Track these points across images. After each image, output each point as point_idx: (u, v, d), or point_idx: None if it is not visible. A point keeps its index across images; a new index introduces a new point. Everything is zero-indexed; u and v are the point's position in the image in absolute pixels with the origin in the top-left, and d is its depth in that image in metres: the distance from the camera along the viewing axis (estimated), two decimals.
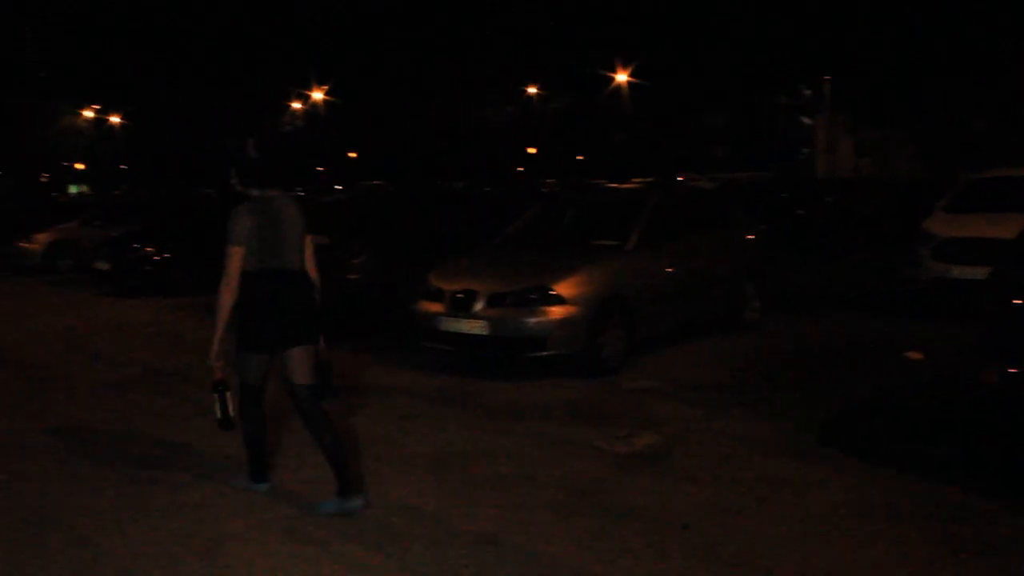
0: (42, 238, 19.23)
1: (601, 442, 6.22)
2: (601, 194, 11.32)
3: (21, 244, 19.27)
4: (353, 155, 53.93)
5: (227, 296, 4.90)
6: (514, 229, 10.00)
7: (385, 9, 42.27)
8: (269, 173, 5.06)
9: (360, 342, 9.83)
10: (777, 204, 17.61)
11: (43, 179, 56.66)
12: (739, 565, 4.30)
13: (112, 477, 5.73)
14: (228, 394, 5.11)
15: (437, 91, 44.57)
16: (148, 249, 15.04)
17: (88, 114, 54.63)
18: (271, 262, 4.93)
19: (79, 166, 60.17)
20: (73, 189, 52.60)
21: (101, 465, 5.99)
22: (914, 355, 8.53)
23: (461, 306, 8.21)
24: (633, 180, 12.55)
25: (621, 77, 38.87)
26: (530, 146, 50.35)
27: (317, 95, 46.54)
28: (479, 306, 8.12)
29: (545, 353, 7.97)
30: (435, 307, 8.43)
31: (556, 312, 7.93)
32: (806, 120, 44.83)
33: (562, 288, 8.03)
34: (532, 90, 45.91)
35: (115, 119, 53.83)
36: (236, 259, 4.89)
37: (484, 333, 8.06)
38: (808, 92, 41.70)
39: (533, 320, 7.93)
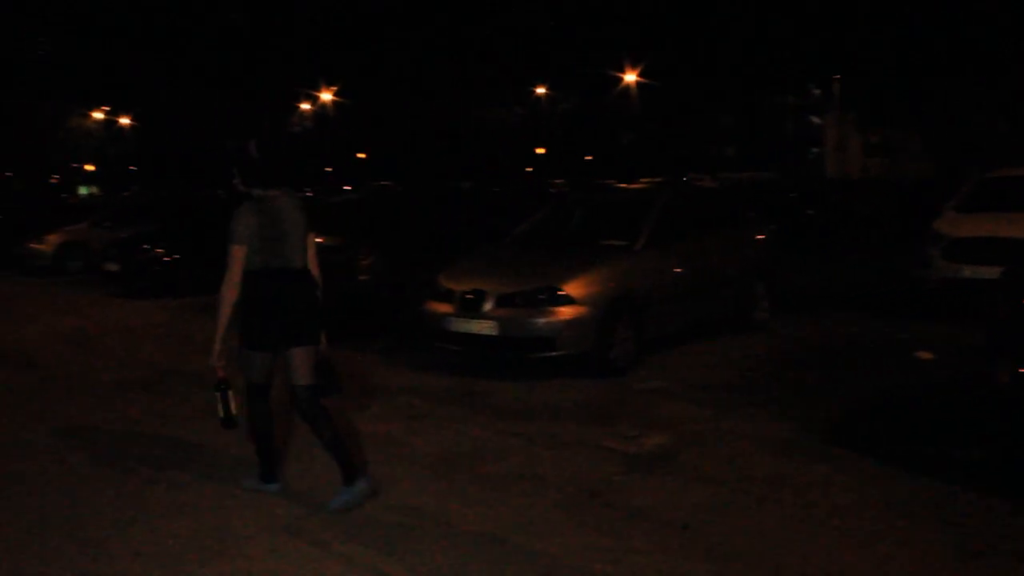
0: (52, 239, 19.30)
1: (610, 442, 6.22)
2: (610, 194, 11.32)
3: (31, 245, 19.34)
4: (362, 156, 54.00)
5: (228, 295, 4.94)
6: (523, 229, 10.00)
7: (388, 9, 42.29)
8: (270, 173, 5.09)
9: (369, 342, 9.84)
10: (786, 204, 17.58)
11: (53, 180, 56.83)
12: (748, 565, 4.29)
13: (116, 477, 5.75)
14: (230, 393, 5.14)
15: (444, 92, 44.60)
16: (157, 250, 15.09)
17: (97, 115, 54.83)
18: (274, 261, 4.97)
19: (89, 167, 60.38)
20: (83, 190, 52.76)
21: (105, 465, 6.01)
22: (924, 355, 8.51)
23: (470, 306, 8.21)
24: (641, 180, 12.52)
25: (629, 77, 38.86)
26: (539, 146, 50.35)
27: (325, 96, 46.63)
28: (488, 306, 8.12)
29: (554, 353, 7.96)
30: (444, 307, 8.44)
31: (565, 312, 7.93)
32: (815, 120, 44.78)
33: (571, 288, 8.03)
34: (540, 91, 45.93)
35: (124, 120, 54.03)
36: (238, 258, 4.93)
37: (493, 333, 8.06)
38: (817, 92, 41.63)
39: (542, 320, 7.93)
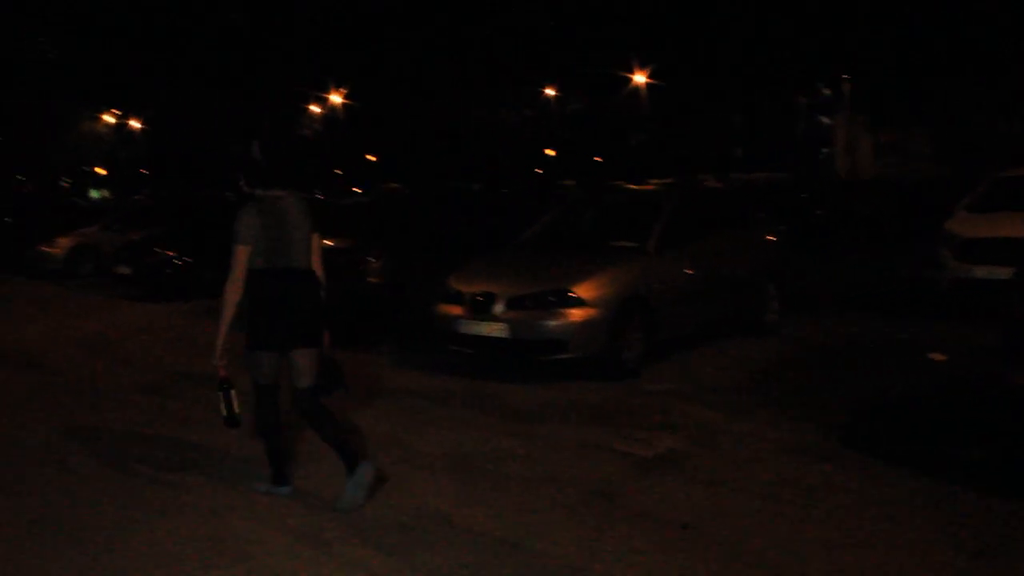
0: (64, 242, 19.36)
1: (621, 444, 6.21)
2: (620, 195, 11.29)
3: (43, 248, 19.41)
4: (372, 158, 54.08)
5: (232, 295, 4.99)
6: (533, 231, 9.98)
7: (390, 9, 42.32)
8: (273, 173, 5.14)
9: (378, 344, 9.85)
10: (796, 205, 17.52)
11: (64, 184, 57.06)
12: (761, 568, 4.27)
13: (121, 478, 5.79)
14: (233, 392, 5.17)
15: (451, 94, 44.64)
16: (168, 253, 15.13)
17: (108, 119, 55.03)
18: (278, 261, 5.00)
19: (100, 171, 60.57)
20: (94, 194, 53.00)
21: (110, 466, 6.04)
22: (937, 356, 8.47)
23: (480, 309, 8.21)
24: (651, 181, 12.52)
25: (637, 78, 38.82)
26: (548, 148, 50.34)
27: (335, 98, 46.71)
28: (499, 309, 8.11)
29: (565, 356, 7.95)
30: (455, 310, 8.43)
31: (576, 314, 7.91)
32: (825, 120, 44.63)
33: (582, 290, 8.01)
34: (549, 92, 45.91)
35: (135, 124, 54.21)
36: (241, 258, 4.98)
37: (504, 336, 8.05)
38: (827, 92, 41.49)
39: (553, 322, 7.92)
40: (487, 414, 7.14)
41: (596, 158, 48.24)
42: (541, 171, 48.44)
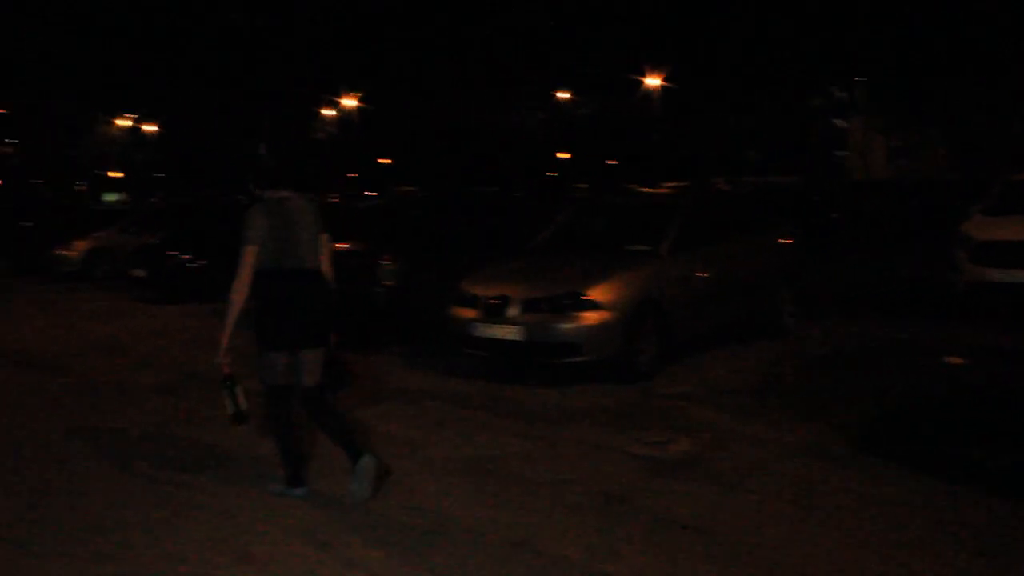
0: (80, 245, 19.48)
1: (635, 447, 6.21)
2: (634, 198, 11.28)
3: (60, 252, 19.53)
4: (386, 161, 54.15)
5: (238, 295, 5.06)
6: (547, 234, 9.99)
7: (400, 10, 42.37)
8: (280, 174, 5.21)
9: (392, 347, 9.87)
10: (810, 208, 17.49)
11: (80, 188, 57.38)
12: (774, 570, 4.27)
13: (139, 479, 5.83)
14: (238, 388, 5.21)
15: (463, 96, 44.67)
16: (183, 256, 15.20)
17: (122, 123, 55.34)
18: (287, 262, 5.07)
19: (116, 174, 60.90)
20: (111, 197, 53.24)
21: (130, 467, 6.08)
22: (954, 360, 8.44)
23: (495, 312, 8.22)
24: (665, 184, 12.50)
25: (650, 81, 38.78)
26: (561, 151, 50.30)
27: (349, 102, 46.82)
28: (513, 312, 8.12)
29: (580, 359, 7.96)
30: (469, 313, 8.45)
31: (591, 318, 7.92)
32: (839, 123, 44.53)
33: (596, 294, 8.02)
34: (563, 95, 45.91)
35: (149, 127, 54.51)
36: (249, 259, 5.04)
37: (518, 339, 8.07)
38: (842, 94, 41.37)
39: (568, 326, 7.92)
40: (501, 417, 7.16)
41: (609, 161, 48.19)
42: (554, 174, 48.41)
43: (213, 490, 5.55)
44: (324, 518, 5.06)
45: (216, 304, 13.55)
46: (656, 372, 8.27)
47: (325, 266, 5.28)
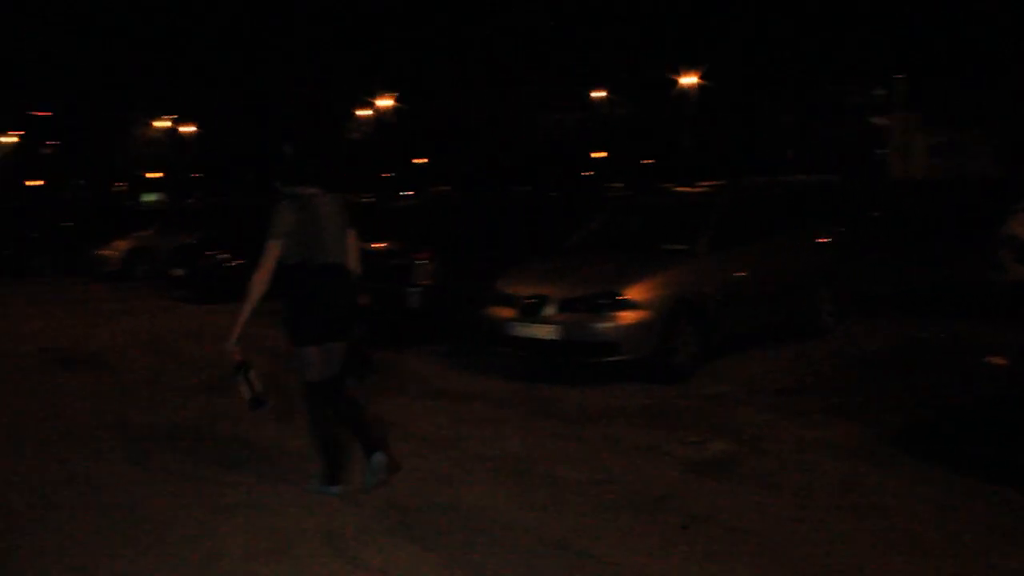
0: (121, 245, 19.75)
1: (673, 447, 6.17)
2: (670, 197, 11.22)
3: (101, 252, 19.80)
4: (422, 161, 54.31)
5: (258, 287, 5.12)
6: (583, 234, 9.96)
7: (443, 9, 42.55)
8: (306, 172, 5.27)
9: (429, 346, 9.89)
10: (850, 206, 17.29)
11: (120, 188, 58.12)
12: (813, 574, 4.21)
13: (177, 475, 5.90)
14: (251, 373, 5.25)
15: (500, 94, 44.73)
16: (221, 255, 15.33)
17: (160, 124, 56.03)
18: (314, 257, 5.14)
19: (155, 175, 61.59)
20: (150, 197, 53.90)
21: (168, 463, 6.14)
22: (996, 360, 8.28)
23: (532, 311, 8.21)
24: (702, 183, 12.40)
25: (685, 80, 38.58)
26: (597, 151, 50.19)
27: (386, 102, 47.01)
28: (550, 311, 8.11)
29: (617, 358, 7.92)
30: (505, 312, 8.44)
31: (628, 317, 7.88)
32: (878, 121, 44.01)
33: (633, 293, 7.98)
34: (598, 94, 45.82)
35: (188, 128, 55.12)
36: (273, 252, 5.11)
37: (555, 338, 8.05)
38: (882, 92, 40.90)
39: (605, 325, 7.90)
40: (537, 416, 7.14)
41: (645, 160, 48.00)
42: (590, 174, 48.30)
43: (250, 487, 5.60)
44: (360, 516, 5.07)
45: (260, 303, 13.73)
46: (693, 371, 8.22)
47: (352, 262, 5.38)
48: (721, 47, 37.66)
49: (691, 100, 38.67)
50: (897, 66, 36.54)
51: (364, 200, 16.97)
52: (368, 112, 49.26)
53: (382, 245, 10.46)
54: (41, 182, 56.05)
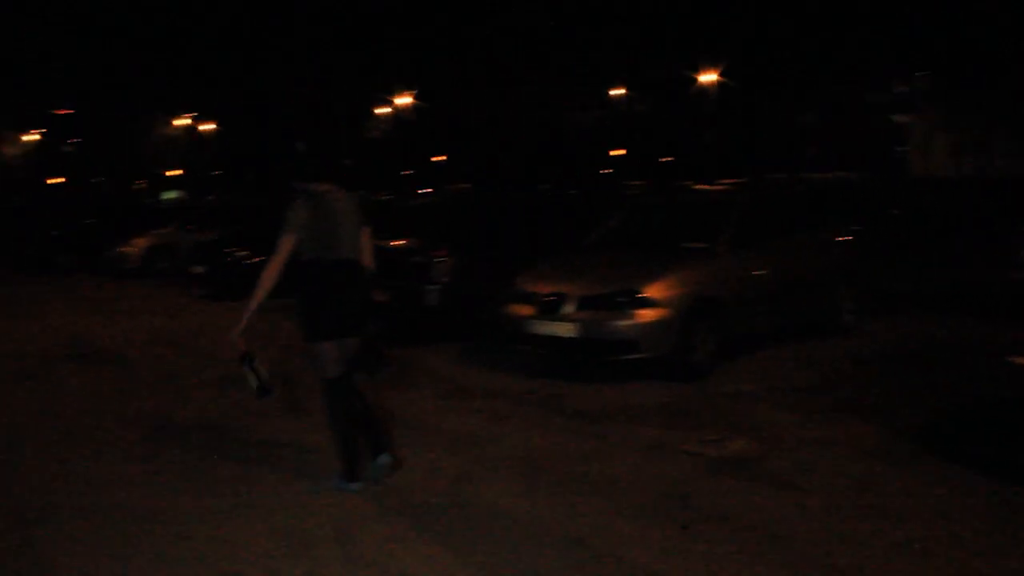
0: (141, 242, 19.86)
1: (692, 446, 6.15)
2: (689, 195, 11.19)
3: (121, 249, 19.92)
4: (440, 158, 54.38)
5: (268, 280, 5.23)
6: (603, 231, 9.94)
7: (459, 6, 42.53)
8: (319, 169, 5.32)
9: (447, 344, 9.90)
10: (870, 205, 17.17)
11: (141, 186, 58.51)
12: (835, 575, 4.19)
13: (196, 470, 5.93)
14: (256, 362, 5.33)
15: (521, 92, 44.71)
16: (240, 253, 15.39)
17: (181, 122, 56.39)
18: (327, 253, 5.19)
19: (175, 172, 61.97)
20: (170, 195, 54.20)
21: (188, 458, 6.17)
22: (1018, 360, 8.22)
23: (551, 309, 8.20)
24: (722, 181, 12.35)
25: (705, 77, 38.46)
26: (616, 148, 50.10)
27: (403, 100, 47.09)
28: (569, 309, 8.10)
29: (636, 356, 7.90)
30: (524, 310, 8.44)
31: (647, 315, 7.86)
32: (899, 118, 43.72)
33: (653, 291, 7.96)
34: (618, 92, 45.74)
35: (207, 126, 55.44)
36: (286, 246, 5.18)
37: (574, 336, 8.04)
38: (904, 89, 40.63)
39: (624, 323, 7.88)
40: (556, 414, 7.14)
41: (664, 158, 47.88)
42: (609, 171, 48.23)
43: (270, 482, 5.62)
44: (379, 512, 5.09)
45: (273, 300, 13.78)
46: (713, 370, 8.20)
47: (366, 259, 5.42)
48: (741, 45, 37.49)
49: (711, 98, 38.53)
50: (920, 64, 36.30)
51: (381, 198, 17.00)
52: (387, 110, 49.35)
53: (401, 243, 10.48)
54: (62, 180, 56.53)
